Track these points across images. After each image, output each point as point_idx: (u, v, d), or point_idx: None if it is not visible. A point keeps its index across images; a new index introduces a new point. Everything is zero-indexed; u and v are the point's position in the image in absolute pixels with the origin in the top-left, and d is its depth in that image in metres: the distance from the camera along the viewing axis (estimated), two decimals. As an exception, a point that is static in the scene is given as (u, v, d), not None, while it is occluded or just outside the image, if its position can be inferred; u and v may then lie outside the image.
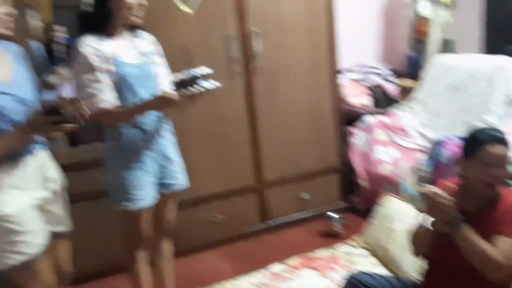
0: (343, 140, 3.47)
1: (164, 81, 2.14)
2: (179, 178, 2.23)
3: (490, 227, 1.61)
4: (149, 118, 2.06)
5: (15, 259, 1.68)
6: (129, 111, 1.96)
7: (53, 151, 1.91)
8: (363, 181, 3.35)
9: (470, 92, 3.14)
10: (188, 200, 2.99)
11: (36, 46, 2.83)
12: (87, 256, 2.69)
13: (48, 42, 2.93)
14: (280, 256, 2.83)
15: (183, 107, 2.20)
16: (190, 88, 1.88)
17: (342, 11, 3.61)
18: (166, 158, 2.16)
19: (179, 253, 2.92)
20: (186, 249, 3.04)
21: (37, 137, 1.77)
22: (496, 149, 1.64)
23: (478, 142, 1.67)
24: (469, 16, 3.49)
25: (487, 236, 1.58)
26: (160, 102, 1.89)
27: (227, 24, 2.93)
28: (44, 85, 2.68)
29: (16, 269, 1.70)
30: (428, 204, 1.71)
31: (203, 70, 1.92)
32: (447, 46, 3.60)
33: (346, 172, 3.46)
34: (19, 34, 2.44)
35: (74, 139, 2.83)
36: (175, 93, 1.87)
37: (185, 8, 2.79)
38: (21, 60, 1.80)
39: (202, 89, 1.89)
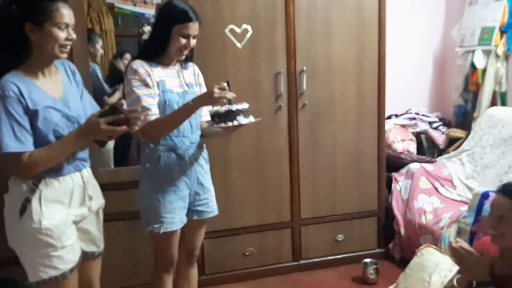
0: (385, 186, 3.40)
1: (205, 111, 2.21)
2: (211, 206, 2.26)
3: None
4: (186, 144, 2.12)
5: (47, 273, 1.71)
6: (174, 115, 2.02)
7: (98, 170, 1.97)
8: (401, 229, 3.25)
9: (522, 147, 3.03)
10: (222, 229, 3.02)
11: (95, 68, 3.01)
12: (115, 275, 2.74)
13: (114, 68, 3.13)
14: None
15: (219, 137, 2.26)
16: (226, 121, 1.96)
17: (394, 57, 3.63)
18: (201, 185, 2.20)
19: (205, 282, 2.95)
20: (213, 279, 3.04)
21: (83, 154, 1.85)
22: None
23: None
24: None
25: None
26: (206, 97, 1.95)
27: (276, 61, 3.00)
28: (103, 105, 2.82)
29: (45, 283, 1.73)
30: (456, 260, 1.66)
31: (241, 105, 1.99)
32: (500, 98, 3.50)
33: (385, 218, 3.38)
34: (82, 56, 2.64)
35: (119, 160, 2.95)
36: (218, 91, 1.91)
37: (238, 45, 2.90)
38: (74, 78, 1.89)
39: (236, 123, 1.96)
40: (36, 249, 1.70)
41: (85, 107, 1.88)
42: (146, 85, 2.03)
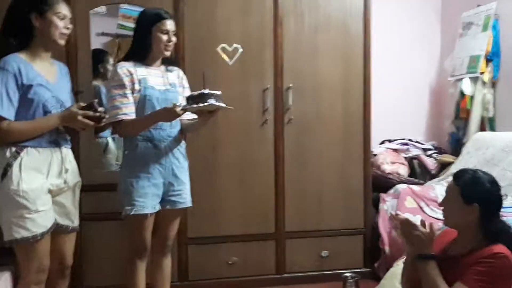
0: (373, 205, 3.45)
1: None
2: (184, 198, 2.41)
3: (459, 272, 1.61)
4: (164, 136, 2.31)
5: (20, 234, 1.89)
6: (140, 120, 2.25)
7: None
8: (386, 247, 3.27)
9: (502, 166, 3.06)
10: (206, 236, 3.13)
11: (100, 87, 3.26)
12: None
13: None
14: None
15: (197, 128, 2.44)
16: (198, 102, 2.14)
17: (394, 87, 3.90)
18: (175, 176, 2.36)
19: (186, 286, 3.02)
20: (196, 285, 3.13)
21: (64, 136, 2.09)
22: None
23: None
24: (510, 93, 3.48)
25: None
26: (166, 112, 2.16)
27: (265, 78, 3.20)
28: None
29: (18, 243, 1.91)
30: (402, 233, 1.75)
31: (214, 91, 2.18)
32: (488, 124, 3.57)
33: (371, 237, 3.40)
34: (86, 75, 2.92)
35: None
36: (179, 107, 2.13)
37: (229, 61, 3.14)
38: (66, 76, 2.20)
39: (206, 104, 2.13)
40: (13, 210, 1.90)
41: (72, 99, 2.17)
42: (122, 85, 2.26)
